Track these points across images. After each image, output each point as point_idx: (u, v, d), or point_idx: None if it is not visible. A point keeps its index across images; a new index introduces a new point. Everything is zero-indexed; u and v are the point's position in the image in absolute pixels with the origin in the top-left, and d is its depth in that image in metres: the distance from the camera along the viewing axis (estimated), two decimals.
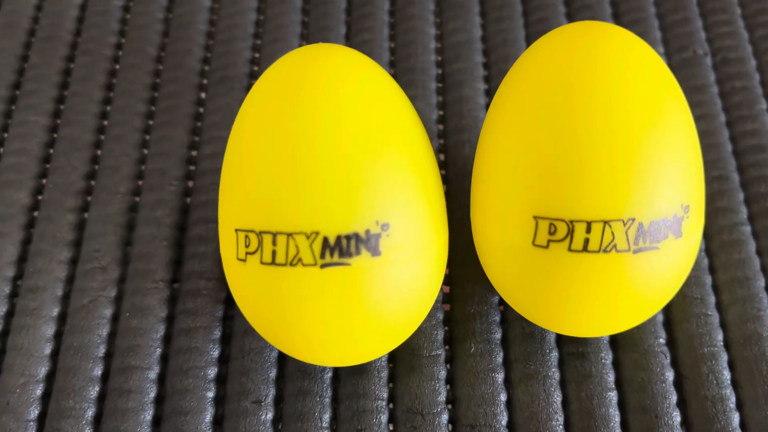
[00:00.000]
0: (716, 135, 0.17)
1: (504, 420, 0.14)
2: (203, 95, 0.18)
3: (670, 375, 0.15)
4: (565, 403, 0.14)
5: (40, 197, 0.17)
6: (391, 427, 0.14)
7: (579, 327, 0.13)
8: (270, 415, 0.14)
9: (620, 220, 0.11)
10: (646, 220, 0.11)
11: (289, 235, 0.11)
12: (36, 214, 0.16)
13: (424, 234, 0.12)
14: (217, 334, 0.15)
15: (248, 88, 0.18)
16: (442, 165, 0.17)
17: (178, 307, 0.15)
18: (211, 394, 0.15)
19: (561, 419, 0.14)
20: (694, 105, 0.18)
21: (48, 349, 0.15)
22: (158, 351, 0.15)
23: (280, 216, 0.11)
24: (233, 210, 0.12)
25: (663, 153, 0.12)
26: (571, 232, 0.12)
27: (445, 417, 0.14)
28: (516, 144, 0.12)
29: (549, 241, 0.12)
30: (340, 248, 0.11)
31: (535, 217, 0.12)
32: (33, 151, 0.17)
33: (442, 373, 0.15)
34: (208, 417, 0.14)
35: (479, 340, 0.15)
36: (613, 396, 0.15)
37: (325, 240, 0.11)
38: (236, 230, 0.12)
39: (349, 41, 0.19)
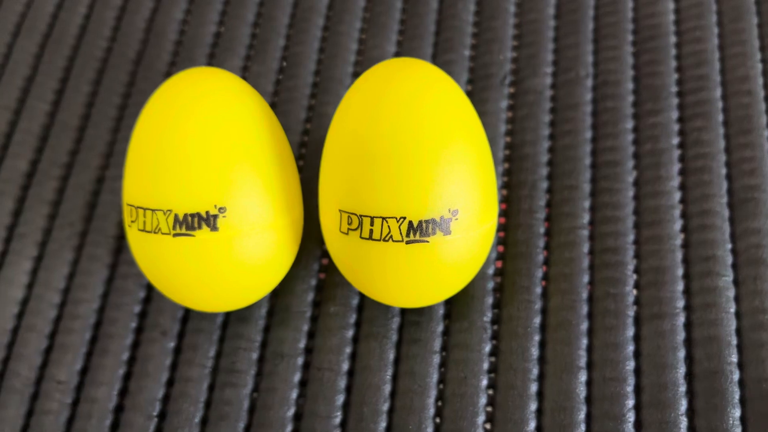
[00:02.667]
0: (577, 149, 0.20)
1: (345, 367, 0.18)
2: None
3: (487, 347, 0.18)
4: (396, 360, 0.18)
5: (37, 166, 0.22)
6: (257, 365, 0.18)
7: (390, 296, 0.17)
8: (172, 344, 0.19)
9: (393, 217, 0.15)
10: (415, 219, 0.15)
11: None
12: (31, 179, 0.22)
13: (259, 213, 0.16)
14: (145, 279, 0.20)
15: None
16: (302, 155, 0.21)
17: (120, 257, 0.20)
18: (133, 324, 0.19)
19: (390, 372, 0.18)
20: (564, 121, 0.20)
21: (25, 280, 0.20)
22: (101, 290, 0.20)
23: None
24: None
25: (435, 167, 0.15)
26: (360, 224, 0.15)
27: (300, 360, 0.18)
28: (330, 155, 0.16)
29: (348, 229, 0.15)
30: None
31: (340, 210, 0.16)
32: (35, 131, 0.22)
33: (305, 327, 0.19)
34: (128, 342, 0.19)
35: (339, 303, 0.19)
36: (435, 358, 0.18)
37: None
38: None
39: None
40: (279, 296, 0.19)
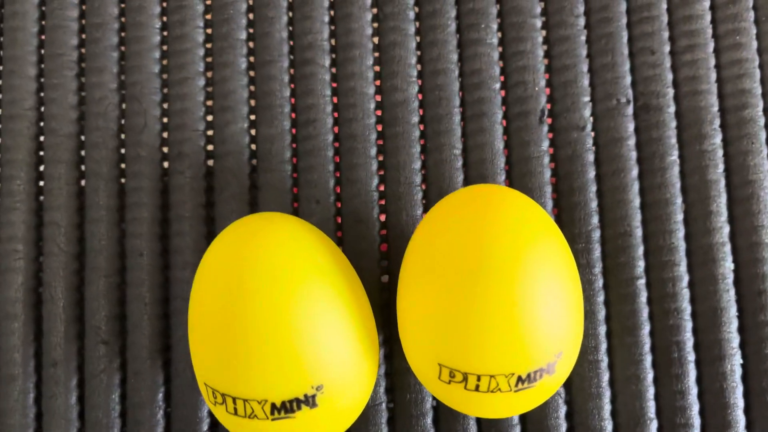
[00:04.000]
0: (626, 190, 0.19)
1: None
2: (166, 166, 0.20)
3: (562, 410, 0.19)
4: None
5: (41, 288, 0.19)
6: None
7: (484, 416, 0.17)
8: None
9: (503, 374, 0.15)
10: (524, 372, 0.15)
11: (245, 400, 0.15)
12: (41, 295, 0.19)
13: (356, 379, 0.15)
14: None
15: (205, 160, 0.20)
16: (383, 225, 0.19)
17: (172, 371, 0.19)
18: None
19: None
20: (610, 159, 0.19)
21: (75, 413, 0.19)
22: (161, 411, 0.19)
23: (238, 385, 0.14)
24: (202, 367, 0.15)
25: (539, 316, 0.14)
26: (465, 379, 0.15)
27: None
28: (421, 300, 0.15)
29: (450, 380, 0.15)
30: (285, 408, 0.15)
31: (440, 364, 0.15)
32: (24, 236, 0.19)
33: (383, 418, 0.19)
34: None
35: (412, 390, 0.19)
36: (518, 428, 0.19)
37: (273, 404, 0.14)
38: (205, 384, 0.15)
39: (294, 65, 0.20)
40: None
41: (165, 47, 0.20)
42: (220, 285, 0.14)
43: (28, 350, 0.19)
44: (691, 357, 0.19)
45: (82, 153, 0.20)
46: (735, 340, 0.19)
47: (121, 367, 0.19)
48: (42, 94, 0.20)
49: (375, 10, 0.20)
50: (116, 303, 0.19)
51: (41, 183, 0.20)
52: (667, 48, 0.20)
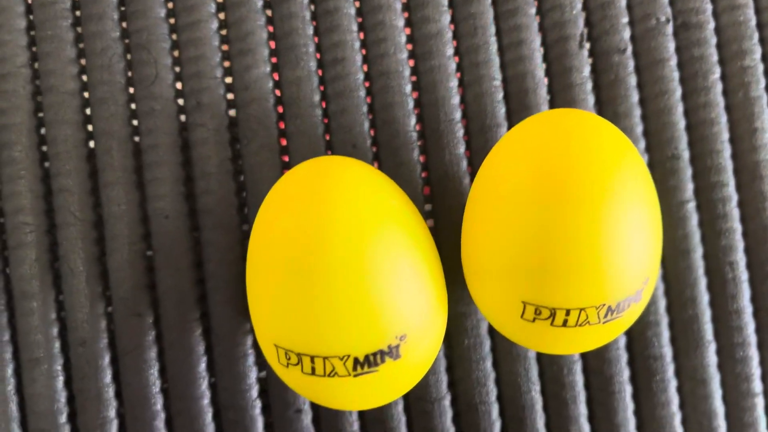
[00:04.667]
0: (671, 113, 0.19)
1: (494, 395, 0.18)
2: (183, 119, 0.18)
3: (621, 340, 0.18)
4: (541, 374, 0.18)
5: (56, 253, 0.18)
6: (405, 415, 0.18)
7: (559, 353, 0.16)
8: (309, 419, 0.18)
9: (593, 306, 0.14)
10: (614, 302, 0.14)
11: (325, 358, 0.13)
12: (60, 269, 0.18)
13: (433, 328, 0.14)
14: (251, 359, 0.18)
15: (227, 109, 0.18)
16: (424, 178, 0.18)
17: (213, 339, 0.18)
18: (257, 411, 0.18)
19: (537, 388, 0.18)
20: (653, 81, 0.19)
21: (111, 391, 0.18)
22: (205, 381, 0.18)
23: (315, 343, 0.13)
24: (271, 328, 0.14)
25: (629, 243, 0.14)
26: (553, 315, 0.14)
27: (448, 400, 0.18)
28: (500, 237, 0.14)
29: (535, 318, 0.14)
30: (369, 362, 0.14)
31: (524, 302, 0.14)
32: (33, 206, 0.18)
33: (442, 365, 0.18)
34: (260, 427, 0.18)
35: (470, 335, 0.18)
36: (577, 366, 0.18)
37: (356, 359, 0.13)
38: (275, 345, 0.14)
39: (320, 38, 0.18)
40: None
41: None
42: (292, 232, 0.13)
43: (50, 330, 0.17)
44: (745, 276, 0.19)
45: (88, 112, 0.18)
46: None
47: (156, 339, 0.18)
48: (35, 49, 0.18)
49: None
50: (144, 272, 0.18)
51: (44, 148, 0.18)
52: None
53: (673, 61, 0.19)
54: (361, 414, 0.18)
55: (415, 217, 0.15)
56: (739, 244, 0.19)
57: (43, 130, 0.18)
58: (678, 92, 0.19)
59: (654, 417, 0.18)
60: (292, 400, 0.18)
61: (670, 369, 0.18)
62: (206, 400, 0.18)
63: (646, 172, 0.15)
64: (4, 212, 0.18)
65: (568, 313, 0.14)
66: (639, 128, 0.19)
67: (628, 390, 0.18)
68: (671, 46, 0.19)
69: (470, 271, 0.15)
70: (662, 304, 0.18)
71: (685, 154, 0.19)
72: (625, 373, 0.18)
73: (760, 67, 0.19)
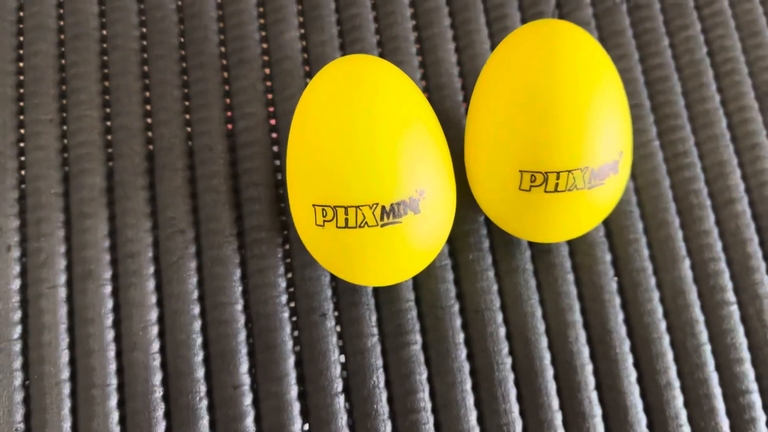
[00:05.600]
0: (633, 70, 0.23)
1: (498, 303, 0.20)
2: (226, 76, 0.21)
3: (607, 256, 0.21)
4: (538, 286, 0.20)
5: (113, 180, 0.20)
6: (419, 322, 0.20)
7: (551, 237, 0.19)
8: (333, 323, 0.20)
9: (579, 168, 0.17)
10: (596, 166, 0.17)
11: (357, 207, 0.16)
12: (114, 194, 0.20)
13: (447, 192, 0.17)
14: (282, 269, 0.20)
15: (263, 66, 0.22)
16: None
17: (247, 253, 0.20)
18: (286, 315, 0.20)
19: (536, 297, 0.20)
20: (614, 47, 0.23)
21: (154, 299, 0.19)
22: (239, 289, 0.20)
23: (350, 193, 0.16)
24: (310, 189, 0.17)
25: (604, 120, 0.17)
26: (545, 180, 0.17)
27: (456, 307, 0.20)
28: (500, 120, 0.17)
29: (531, 186, 0.17)
30: (394, 212, 0.16)
31: (521, 171, 0.17)
32: (96, 141, 0.20)
33: (450, 277, 0.20)
34: (288, 330, 0.20)
35: (474, 250, 0.21)
36: (570, 276, 0.21)
37: (383, 208, 0.16)
38: (314, 205, 0.16)
39: (340, 15, 0.22)
40: None
41: None
42: (334, 115, 0.16)
43: (102, 244, 0.20)
44: (708, 203, 0.21)
45: (146, 68, 0.21)
46: (741, 185, 0.22)
47: (196, 253, 0.20)
48: (104, 20, 0.22)
49: None
50: (189, 196, 0.20)
51: (107, 97, 0.21)
52: None
53: (630, 33, 0.23)
54: (380, 319, 0.20)
55: (431, 111, 0.18)
56: (700, 175, 0.22)
57: (106, 83, 0.21)
58: (636, 56, 0.23)
59: (642, 324, 0.20)
60: (317, 305, 0.20)
61: (652, 281, 0.21)
62: (239, 306, 0.20)
63: (615, 74, 0.18)
64: (68, 146, 0.20)
65: (558, 176, 0.17)
66: None
67: (617, 300, 0.20)
68: (627, 21, 0.23)
69: (474, 160, 0.18)
70: (640, 226, 0.21)
71: (647, 104, 0.22)
72: (613, 285, 0.21)
73: (701, 37, 0.23)
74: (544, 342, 0.20)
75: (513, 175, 0.17)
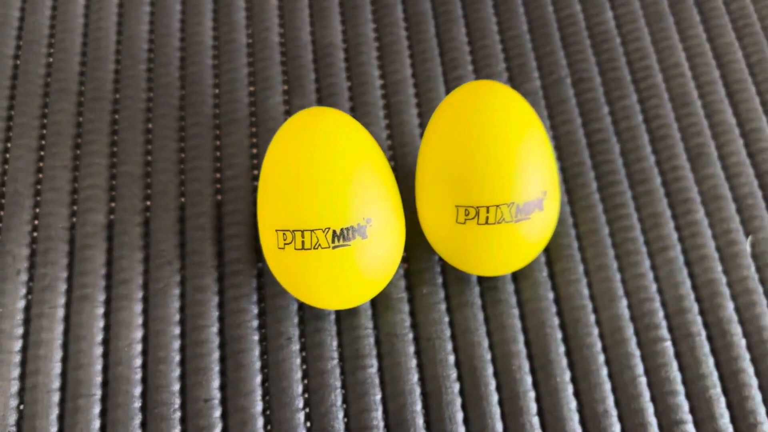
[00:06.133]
0: (575, 133, 0.26)
1: (448, 333, 0.22)
2: (218, 133, 0.25)
3: (550, 294, 0.23)
4: (486, 319, 0.23)
5: (113, 217, 0.23)
6: (376, 348, 0.22)
7: (489, 269, 0.21)
8: (297, 347, 0.22)
9: (506, 203, 0.19)
10: (521, 202, 0.19)
11: (312, 231, 0.19)
12: (113, 229, 0.23)
13: (393, 223, 0.20)
14: (255, 298, 0.22)
15: (250, 125, 0.25)
16: (393, 169, 0.25)
17: (225, 283, 0.23)
18: (256, 338, 0.22)
19: (484, 329, 0.22)
20: (559, 113, 0.26)
21: (140, 320, 0.22)
22: (216, 314, 0.22)
23: (306, 219, 0.19)
24: (274, 216, 0.19)
25: (528, 161, 0.20)
26: (477, 213, 0.20)
27: (411, 335, 0.22)
28: (440, 163, 0.20)
29: (466, 219, 0.20)
30: (344, 236, 0.19)
31: (456, 206, 0.20)
32: (102, 184, 0.24)
33: (406, 308, 0.23)
34: (257, 352, 0.22)
35: (428, 284, 0.23)
36: (515, 311, 0.23)
37: (334, 231, 0.19)
38: (276, 230, 0.19)
39: (319, 84, 0.26)
40: None
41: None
42: (297, 151, 0.19)
43: (99, 272, 0.22)
44: (644, 249, 0.24)
45: (150, 125, 0.25)
46: (674, 235, 0.24)
47: (181, 282, 0.23)
48: (118, 86, 0.25)
49: None
50: (178, 232, 0.23)
51: (115, 148, 0.24)
52: None
53: (573, 102, 0.26)
54: (340, 344, 0.22)
55: (381, 155, 0.21)
56: (636, 225, 0.24)
57: (115, 137, 0.25)
58: (578, 121, 0.26)
59: (582, 356, 0.22)
60: (284, 330, 0.22)
61: (591, 317, 0.23)
62: (215, 329, 0.22)
63: (540, 126, 0.21)
64: (78, 189, 0.24)
65: (488, 210, 0.19)
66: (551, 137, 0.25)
67: (558, 334, 0.22)
68: (571, 92, 0.26)
69: (421, 198, 0.21)
70: (580, 268, 0.23)
71: (588, 162, 0.25)
72: (555, 320, 0.23)
73: (637, 106, 0.26)
74: (489, 369, 0.22)
75: (450, 210, 0.20)
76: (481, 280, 0.23)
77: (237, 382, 0.21)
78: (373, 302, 0.23)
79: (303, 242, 0.19)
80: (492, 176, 0.19)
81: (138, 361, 0.21)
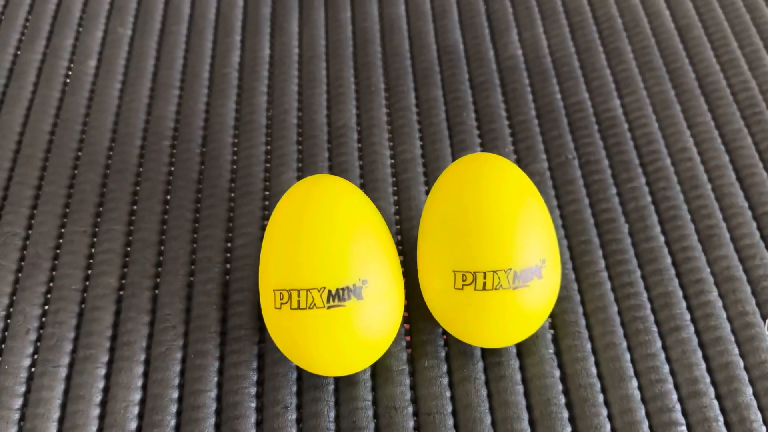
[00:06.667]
0: (582, 212, 0.26)
1: (450, 408, 0.22)
2: (232, 205, 0.26)
3: (556, 372, 0.22)
4: (489, 395, 0.22)
5: (124, 281, 0.24)
6: (374, 420, 0.22)
7: (489, 338, 0.21)
8: (294, 416, 0.21)
9: (503, 269, 0.19)
10: (518, 269, 0.19)
11: (308, 290, 0.19)
12: (123, 293, 0.24)
13: (390, 286, 0.20)
14: (255, 364, 0.22)
15: (263, 198, 0.26)
16: (399, 242, 0.25)
17: (226, 348, 0.23)
18: (253, 405, 0.22)
19: (486, 405, 0.22)
20: (566, 194, 0.26)
21: (140, 383, 0.22)
22: (215, 379, 0.22)
23: (302, 279, 0.19)
24: (271, 276, 0.20)
25: (524, 229, 0.20)
26: (474, 279, 0.20)
27: (410, 409, 0.22)
28: (439, 230, 0.20)
29: (463, 285, 0.20)
30: (339, 296, 0.19)
31: (454, 271, 0.20)
32: (117, 249, 0.25)
33: (407, 381, 0.22)
34: (252, 419, 0.21)
35: (430, 357, 0.22)
36: (520, 388, 0.22)
37: (329, 291, 0.19)
38: (274, 290, 0.20)
39: (331, 162, 0.27)
40: (378, 360, 0.22)
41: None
42: (297, 216, 0.20)
43: (105, 333, 0.23)
44: (655, 329, 0.23)
45: (168, 196, 0.26)
46: (686, 314, 0.23)
47: (183, 346, 0.23)
48: (142, 159, 0.27)
49: None
50: (185, 297, 0.24)
51: (133, 217, 0.25)
52: None
53: (581, 182, 0.26)
54: (337, 415, 0.22)
55: (381, 221, 0.21)
56: (646, 304, 0.24)
57: (135, 206, 0.26)
58: (586, 201, 0.26)
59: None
60: (281, 398, 0.22)
61: (600, 397, 0.22)
62: (213, 394, 0.22)
63: (538, 197, 0.21)
64: (94, 253, 0.25)
65: (485, 275, 0.19)
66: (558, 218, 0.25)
67: (565, 414, 0.22)
68: (578, 173, 0.27)
69: (421, 266, 0.21)
70: (588, 345, 0.23)
71: (596, 240, 0.25)
72: (561, 399, 0.22)
73: (645, 188, 0.26)
74: None
75: (448, 275, 0.20)
76: (484, 354, 0.23)
77: None
78: (373, 374, 0.22)
79: (299, 301, 0.19)
80: (489, 242, 0.20)
81: (133, 424, 0.21)
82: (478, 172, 0.21)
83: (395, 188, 0.26)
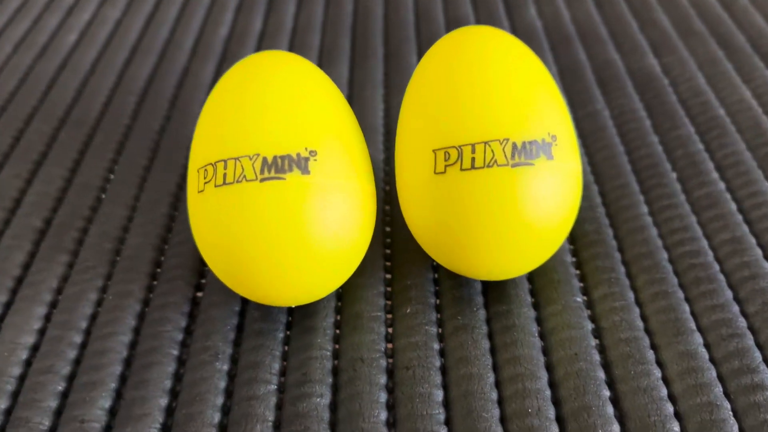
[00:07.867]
0: (616, 158, 0.21)
1: (437, 363, 0.16)
2: None
3: (587, 324, 0.16)
4: (492, 350, 0.16)
5: (52, 223, 0.20)
6: (332, 375, 0.16)
7: (484, 260, 0.15)
8: (226, 366, 0.16)
9: (497, 140, 0.14)
10: (518, 140, 0.15)
11: (236, 159, 0.14)
12: (46, 234, 0.20)
13: (347, 165, 0.15)
14: (186, 309, 0.17)
15: None
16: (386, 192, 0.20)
17: (156, 290, 0.18)
18: (175, 352, 0.16)
19: (489, 361, 0.16)
20: (596, 141, 0.21)
21: (37, 325, 0.17)
22: (133, 323, 0.17)
23: (229, 146, 0.15)
24: (198, 159, 0.15)
25: (524, 94, 0.15)
26: (460, 155, 0.15)
27: (383, 362, 0.16)
28: (420, 107, 0.16)
29: (445, 166, 0.15)
30: (276, 166, 0.14)
31: (434, 150, 0.15)
32: (51, 193, 0.21)
33: (382, 329, 0.16)
34: (171, 369, 0.16)
35: (415, 303, 0.17)
36: (536, 341, 0.16)
37: (264, 159, 0.14)
38: (197, 169, 0.15)
39: None
40: (346, 305, 0.17)
41: None
42: (233, 81, 0.16)
43: (11, 273, 0.18)
44: (722, 277, 0.17)
45: (122, 147, 0.22)
46: (763, 261, 0.17)
47: (101, 289, 0.18)
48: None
49: None
50: (115, 239, 0.19)
51: (81, 162, 0.22)
52: None
53: (613, 131, 0.22)
54: (284, 367, 0.16)
55: (348, 109, 0.17)
56: (709, 251, 0.18)
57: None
58: (620, 148, 0.21)
59: (635, 404, 0.15)
60: (210, 345, 0.16)
61: (650, 354, 0.16)
62: (125, 338, 0.17)
63: (544, 70, 0.16)
64: (21, 204, 0.21)
65: (473, 149, 0.15)
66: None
67: (601, 374, 0.15)
68: (609, 122, 0.22)
69: (399, 160, 0.16)
70: (630, 295, 0.17)
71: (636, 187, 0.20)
72: (595, 356, 0.16)
73: (695, 137, 0.21)
74: (495, 413, 0.15)
75: (427, 158, 0.15)
76: (488, 302, 0.17)
77: (131, 404, 0.15)
78: (338, 323, 0.17)
79: (225, 175, 0.14)
80: (480, 108, 0.15)
81: (17, 370, 0.16)
82: (472, 43, 0.16)
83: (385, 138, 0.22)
